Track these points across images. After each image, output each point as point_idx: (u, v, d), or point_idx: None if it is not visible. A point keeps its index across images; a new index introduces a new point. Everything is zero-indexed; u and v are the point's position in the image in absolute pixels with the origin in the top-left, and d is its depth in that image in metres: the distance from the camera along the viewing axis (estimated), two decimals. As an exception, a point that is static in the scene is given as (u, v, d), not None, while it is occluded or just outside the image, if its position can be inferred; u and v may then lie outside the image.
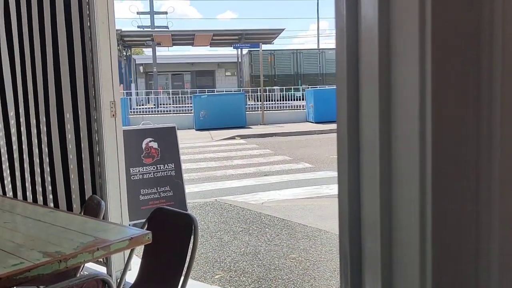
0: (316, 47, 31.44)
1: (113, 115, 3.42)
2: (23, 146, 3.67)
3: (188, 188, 6.16)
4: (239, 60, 26.12)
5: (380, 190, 0.66)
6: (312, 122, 17.67)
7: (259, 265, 3.89)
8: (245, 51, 22.07)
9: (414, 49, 0.58)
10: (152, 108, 20.96)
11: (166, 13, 28.35)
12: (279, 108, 20.43)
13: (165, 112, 20.06)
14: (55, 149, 3.54)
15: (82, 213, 2.99)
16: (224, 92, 20.79)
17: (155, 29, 25.03)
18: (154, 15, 26.48)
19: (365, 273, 0.75)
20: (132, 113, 18.94)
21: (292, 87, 22.73)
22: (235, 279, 3.62)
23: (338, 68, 0.72)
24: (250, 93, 22.03)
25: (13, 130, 3.67)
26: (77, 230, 2.09)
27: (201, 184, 7.65)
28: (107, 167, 3.35)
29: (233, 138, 14.36)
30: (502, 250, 0.60)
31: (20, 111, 3.65)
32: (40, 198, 3.69)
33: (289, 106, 20.76)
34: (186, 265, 2.22)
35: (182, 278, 2.20)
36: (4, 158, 3.67)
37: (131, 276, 2.57)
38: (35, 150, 3.65)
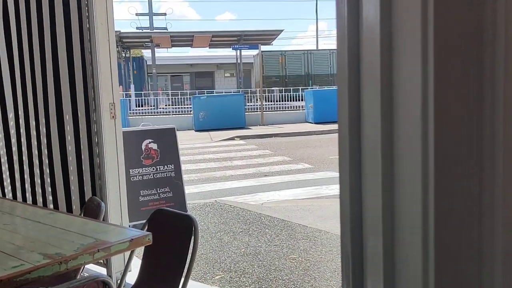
0: (315, 48, 31.45)
1: (113, 116, 3.42)
2: (23, 148, 3.67)
3: (188, 189, 6.16)
4: (238, 61, 26.12)
5: (382, 190, 0.66)
6: (312, 123, 17.67)
7: (259, 265, 3.89)
8: (255, 52, 22.10)
9: (416, 49, 0.58)
10: (151, 109, 20.96)
11: (165, 14, 28.39)
12: (278, 109, 20.43)
13: (165, 113, 20.06)
14: (55, 151, 3.53)
15: (82, 215, 2.98)
16: (224, 93, 20.80)
17: (154, 31, 25.02)
18: (153, 17, 26.48)
19: (367, 274, 0.75)
20: (132, 115, 18.93)
21: (300, 87, 22.71)
22: (235, 280, 3.62)
23: (339, 68, 0.72)
24: (259, 94, 22.10)
25: (13, 131, 3.67)
26: (77, 232, 2.09)
27: (200, 185, 7.65)
28: (107, 168, 3.35)
29: (232, 139, 14.36)
30: (506, 250, 0.60)
31: (20, 113, 3.64)
32: (39, 199, 3.69)
33: (288, 107, 20.77)
34: (186, 266, 2.22)
35: (182, 279, 2.20)
36: (4, 159, 3.67)
37: (132, 277, 2.57)
38: (35, 152, 3.65)
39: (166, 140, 5.28)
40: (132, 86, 22.53)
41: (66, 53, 3.38)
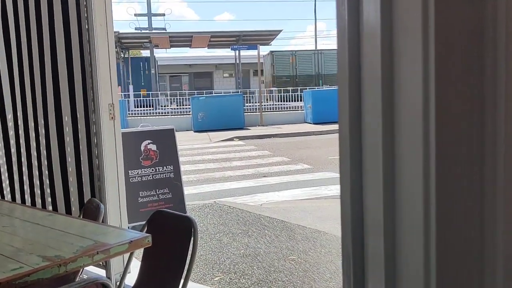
0: (314, 48, 31.48)
1: (112, 117, 3.41)
2: (22, 149, 3.66)
3: (187, 190, 6.15)
4: (237, 62, 26.12)
5: (383, 190, 0.66)
6: (310, 123, 17.68)
7: (258, 267, 3.88)
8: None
9: (417, 46, 0.58)
10: (150, 110, 20.94)
11: (163, 15, 28.46)
12: (277, 109, 20.44)
13: (163, 114, 20.06)
14: (54, 152, 3.53)
15: (81, 216, 2.97)
16: (222, 94, 20.80)
17: (153, 31, 25.02)
18: (152, 17, 26.50)
19: (368, 275, 0.74)
20: (131, 115, 18.91)
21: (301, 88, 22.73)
22: (234, 281, 3.61)
23: (340, 68, 0.71)
24: (265, 94, 22.27)
25: (11, 132, 3.66)
26: (77, 234, 2.08)
27: (200, 186, 7.64)
28: (106, 169, 3.34)
29: (231, 139, 14.36)
30: (507, 251, 0.59)
31: (19, 114, 3.64)
32: (38, 200, 3.68)
33: (287, 107, 20.78)
34: (186, 267, 2.21)
35: (182, 280, 2.19)
36: (2, 161, 3.66)
37: (131, 279, 2.56)
38: (34, 153, 3.64)
39: (165, 141, 5.27)
40: (130, 87, 22.49)
41: (65, 54, 3.38)
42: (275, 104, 21.04)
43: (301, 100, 20.85)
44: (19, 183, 3.70)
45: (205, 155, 11.22)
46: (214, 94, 21.26)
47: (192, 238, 2.21)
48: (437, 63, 0.56)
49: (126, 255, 2.64)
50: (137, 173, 5.07)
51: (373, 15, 0.63)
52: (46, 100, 3.50)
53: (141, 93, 21.57)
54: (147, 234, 1.99)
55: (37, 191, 3.67)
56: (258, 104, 19.13)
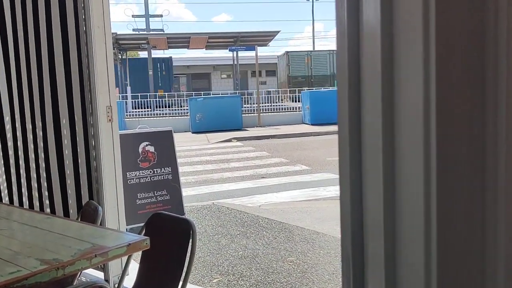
0: (312, 49, 31.52)
1: (110, 119, 3.41)
2: (19, 152, 3.65)
3: (185, 192, 6.14)
4: (235, 63, 26.12)
5: (383, 191, 0.65)
6: (308, 124, 17.69)
7: (257, 268, 3.87)
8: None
9: (418, 47, 0.57)
10: (148, 111, 20.93)
11: (161, 16, 28.46)
12: (275, 110, 20.45)
13: (161, 115, 20.04)
14: (51, 155, 3.52)
15: (79, 219, 2.96)
16: (220, 95, 20.80)
17: (151, 32, 25.01)
18: (149, 18, 26.49)
19: (368, 276, 0.74)
20: (128, 117, 18.89)
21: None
22: (233, 283, 3.61)
23: (339, 68, 0.71)
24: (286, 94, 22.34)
25: (9, 135, 3.65)
26: (74, 237, 2.07)
27: (198, 187, 7.63)
28: (104, 172, 3.33)
29: (229, 140, 14.35)
30: (508, 252, 0.59)
31: (16, 116, 3.63)
32: (36, 203, 3.67)
33: (285, 108, 20.79)
34: (184, 269, 2.20)
35: (180, 282, 2.19)
36: (0, 163, 3.65)
37: (129, 281, 2.55)
38: (31, 155, 3.63)
39: (163, 142, 5.26)
40: (128, 88, 22.47)
41: (63, 56, 3.37)
42: (273, 105, 21.05)
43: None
44: (17, 186, 3.68)
45: (203, 156, 11.21)
46: (212, 95, 21.25)
47: (191, 240, 2.21)
48: (437, 63, 0.56)
49: (125, 258, 2.63)
50: (135, 175, 5.06)
51: (373, 15, 0.63)
52: (44, 102, 3.49)
53: (158, 93, 21.63)
54: (145, 237, 1.98)
55: (35, 193, 3.66)
56: (256, 105, 19.12)
